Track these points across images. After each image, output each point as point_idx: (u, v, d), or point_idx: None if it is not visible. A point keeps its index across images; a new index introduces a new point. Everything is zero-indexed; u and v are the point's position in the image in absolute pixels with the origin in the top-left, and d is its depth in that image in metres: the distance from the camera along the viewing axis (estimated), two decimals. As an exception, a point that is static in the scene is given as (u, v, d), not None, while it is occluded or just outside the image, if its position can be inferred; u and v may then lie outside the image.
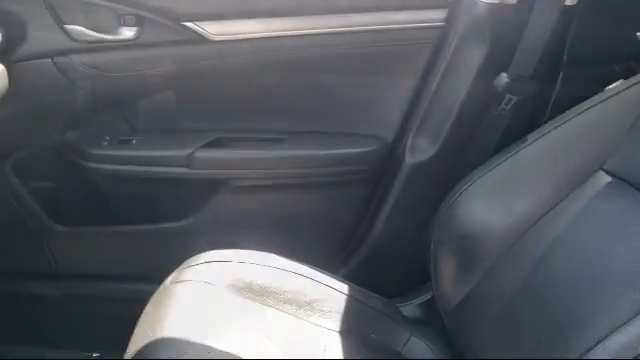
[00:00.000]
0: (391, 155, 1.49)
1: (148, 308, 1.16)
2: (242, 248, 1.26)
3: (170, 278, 1.20)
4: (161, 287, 1.19)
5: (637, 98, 1.10)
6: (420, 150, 1.45)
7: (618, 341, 0.78)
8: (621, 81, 1.19)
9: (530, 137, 1.20)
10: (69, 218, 1.53)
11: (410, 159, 1.45)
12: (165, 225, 1.53)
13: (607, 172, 1.07)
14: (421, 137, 1.45)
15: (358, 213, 1.55)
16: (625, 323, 0.79)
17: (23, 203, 1.48)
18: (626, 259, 0.91)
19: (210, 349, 1.04)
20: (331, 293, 1.24)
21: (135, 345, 1.06)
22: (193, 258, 1.23)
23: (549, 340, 0.90)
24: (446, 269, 1.23)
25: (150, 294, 1.19)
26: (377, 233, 1.51)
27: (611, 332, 0.80)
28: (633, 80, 1.13)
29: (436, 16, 1.38)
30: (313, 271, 1.26)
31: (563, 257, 1.02)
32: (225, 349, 1.04)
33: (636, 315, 0.79)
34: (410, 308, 1.40)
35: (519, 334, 1.01)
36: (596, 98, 1.16)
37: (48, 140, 1.46)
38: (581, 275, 0.96)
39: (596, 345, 0.80)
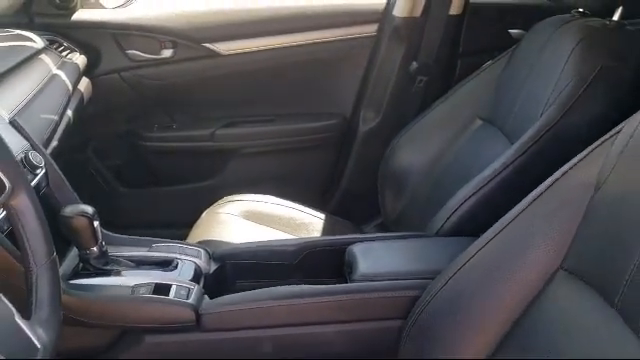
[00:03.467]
0: (349, 125, 1.93)
1: (192, 231, 1.61)
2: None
3: (205, 212, 1.67)
4: (199, 218, 1.66)
5: (498, 70, 1.59)
6: (369, 120, 1.89)
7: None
8: (490, 61, 1.66)
9: (434, 104, 1.69)
10: (130, 182, 1.96)
11: (362, 127, 1.89)
12: (197, 184, 1.94)
13: (480, 118, 1.58)
14: (369, 111, 1.89)
15: (331, 168, 1.98)
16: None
17: (100, 174, 1.91)
18: (476, 166, 1.39)
19: (235, 245, 1.49)
20: (313, 219, 1.70)
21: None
22: (220, 200, 1.69)
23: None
24: (388, 196, 1.71)
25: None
26: (345, 181, 1.95)
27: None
28: (496, 59, 1.63)
29: (371, 29, 1.84)
30: (302, 206, 1.71)
31: (450, 174, 1.56)
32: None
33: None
34: (369, 228, 1.89)
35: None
36: (474, 73, 1.66)
37: (117, 129, 1.89)
38: (456, 179, 1.45)
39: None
